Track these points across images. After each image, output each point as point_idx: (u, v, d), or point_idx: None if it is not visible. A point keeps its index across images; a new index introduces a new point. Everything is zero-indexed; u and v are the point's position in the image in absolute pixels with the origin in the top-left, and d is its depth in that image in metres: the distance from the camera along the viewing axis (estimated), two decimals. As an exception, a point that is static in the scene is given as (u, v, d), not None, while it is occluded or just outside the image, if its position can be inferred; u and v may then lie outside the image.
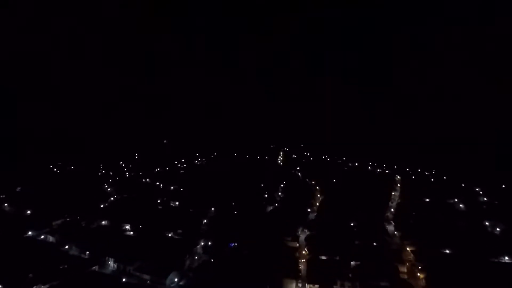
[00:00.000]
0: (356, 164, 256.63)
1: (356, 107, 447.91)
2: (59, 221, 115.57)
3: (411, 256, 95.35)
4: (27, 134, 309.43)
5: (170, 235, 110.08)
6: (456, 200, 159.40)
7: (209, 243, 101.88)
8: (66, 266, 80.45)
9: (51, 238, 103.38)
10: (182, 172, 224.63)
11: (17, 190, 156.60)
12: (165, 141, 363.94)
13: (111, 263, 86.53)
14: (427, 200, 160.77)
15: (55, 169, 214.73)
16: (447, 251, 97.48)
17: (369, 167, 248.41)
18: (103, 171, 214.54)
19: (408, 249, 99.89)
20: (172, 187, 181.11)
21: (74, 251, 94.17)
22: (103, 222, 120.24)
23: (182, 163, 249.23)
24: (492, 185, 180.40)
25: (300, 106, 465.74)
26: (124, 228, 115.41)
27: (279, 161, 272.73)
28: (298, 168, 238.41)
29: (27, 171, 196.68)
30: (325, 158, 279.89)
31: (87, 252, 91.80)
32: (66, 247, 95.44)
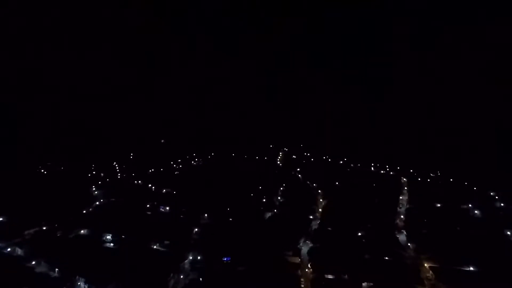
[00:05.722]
0: (359, 164, 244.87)
1: (356, 106, 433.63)
2: (32, 230, 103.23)
3: (430, 274, 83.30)
4: (20, 132, 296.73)
5: (155, 247, 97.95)
6: (470, 205, 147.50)
7: (199, 258, 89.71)
8: (27, 288, 68.29)
9: (19, 251, 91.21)
10: (176, 174, 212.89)
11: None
12: (162, 141, 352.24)
13: (81, 284, 74.32)
14: (439, 205, 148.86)
15: (42, 170, 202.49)
16: (471, 268, 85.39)
17: (372, 168, 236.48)
18: (94, 172, 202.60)
19: (426, 265, 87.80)
20: (164, 190, 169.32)
21: (42, 268, 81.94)
22: (82, 232, 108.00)
23: (178, 164, 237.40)
24: (506, 189, 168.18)
25: (300, 105, 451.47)
26: (104, 238, 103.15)
27: (278, 162, 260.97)
28: (299, 169, 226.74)
29: (12, 172, 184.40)
30: (326, 159, 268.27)
31: (56, 270, 79.56)
32: (33, 262, 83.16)
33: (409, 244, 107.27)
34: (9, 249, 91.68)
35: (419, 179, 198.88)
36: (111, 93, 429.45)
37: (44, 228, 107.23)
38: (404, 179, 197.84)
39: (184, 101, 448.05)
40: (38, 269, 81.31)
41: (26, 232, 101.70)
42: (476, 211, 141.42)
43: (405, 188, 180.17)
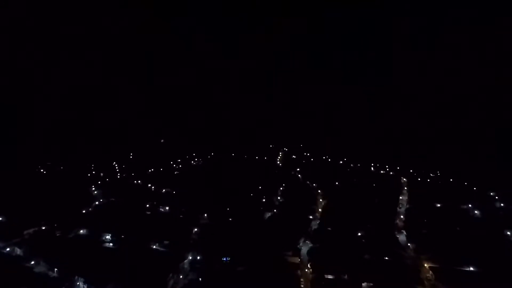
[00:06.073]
0: (359, 164, 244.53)
1: (356, 106, 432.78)
2: (31, 230, 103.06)
3: (430, 274, 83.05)
4: (20, 132, 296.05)
5: (154, 247, 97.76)
6: (470, 205, 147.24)
7: (198, 258, 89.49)
8: (26, 288, 68.13)
9: (18, 251, 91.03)
10: (176, 173, 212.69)
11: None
12: (162, 141, 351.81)
13: (80, 284, 74.11)
14: (439, 205, 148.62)
15: (42, 170, 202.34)
16: (471, 269, 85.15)
17: (372, 168, 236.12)
18: (93, 172, 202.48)
19: (426, 265, 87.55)
20: (164, 190, 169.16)
21: (41, 268, 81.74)
22: (81, 231, 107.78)
23: (177, 164, 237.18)
24: (506, 189, 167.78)
25: (300, 106, 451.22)
26: (103, 238, 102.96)
27: (278, 162, 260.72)
28: (299, 169, 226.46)
29: (12, 172, 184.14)
30: (326, 159, 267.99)
31: (56, 269, 79.36)
32: (33, 262, 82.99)
33: (409, 244, 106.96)
34: (8, 249, 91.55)
35: (419, 179, 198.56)
36: (111, 93, 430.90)
37: (44, 228, 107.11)
38: (404, 179, 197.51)
39: (184, 101, 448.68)
40: (37, 269, 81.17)
41: (25, 232, 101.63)
42: (476, 211, 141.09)
43: (405, 188, 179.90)
